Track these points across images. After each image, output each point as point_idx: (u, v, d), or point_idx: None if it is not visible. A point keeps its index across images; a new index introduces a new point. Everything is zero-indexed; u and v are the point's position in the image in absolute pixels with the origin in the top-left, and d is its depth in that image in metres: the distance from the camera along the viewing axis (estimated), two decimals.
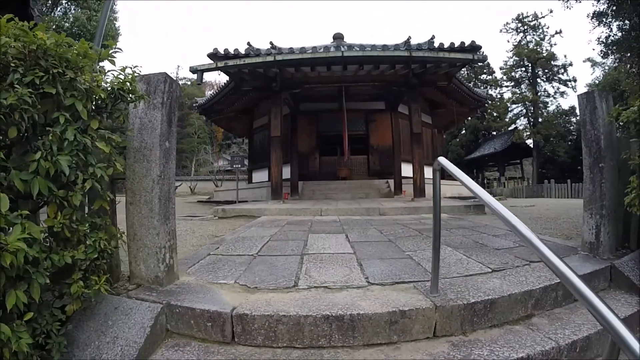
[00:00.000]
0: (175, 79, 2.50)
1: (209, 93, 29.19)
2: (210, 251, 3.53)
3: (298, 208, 6.95)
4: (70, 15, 12.32)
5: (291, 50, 6.89)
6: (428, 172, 15.75)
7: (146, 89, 2.39)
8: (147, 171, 2.33)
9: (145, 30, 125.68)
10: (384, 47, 6.72)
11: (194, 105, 18.35)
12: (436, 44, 7.33)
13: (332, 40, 15.70)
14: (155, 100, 2.37)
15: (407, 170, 12.20)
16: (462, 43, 7.31)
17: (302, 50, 6.79)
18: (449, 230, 4.71)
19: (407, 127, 14.76)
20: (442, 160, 1.96)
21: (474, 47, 7.35)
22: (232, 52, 7.31)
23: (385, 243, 3.83)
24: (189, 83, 52.21)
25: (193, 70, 7.20)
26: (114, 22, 13.75)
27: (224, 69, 7.24)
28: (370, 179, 13.49)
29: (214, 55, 7.49)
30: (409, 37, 13.25)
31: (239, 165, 10.82)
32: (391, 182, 12.16)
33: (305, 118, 13.54)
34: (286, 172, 11.78)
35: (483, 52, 7.76)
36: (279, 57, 6.51)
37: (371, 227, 5.12)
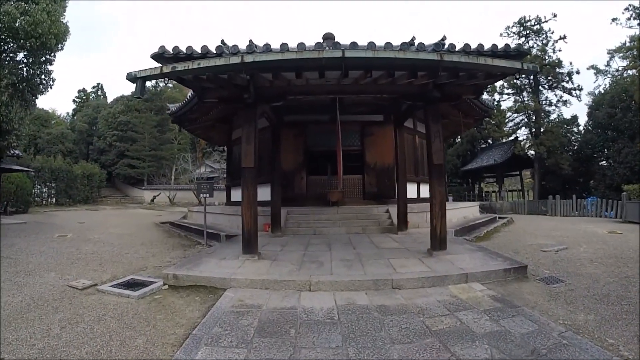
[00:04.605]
0: None
1: (189, 96, 26.81)
2: None
3: (278, 280, 4.75)
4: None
5: (267, 49, 4.74)
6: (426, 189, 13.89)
7: None
8: None
9: (142, 30, 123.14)
10: (403, 47, 4.65)
11: (167, 112, 16.08)
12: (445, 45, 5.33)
13: (321, 41, 13.58)
14: None
15: (410, 192, 10.20)
16: (507, 46, 5.30)
17: (283, 48, 4.66)
18: None
19: (411, 143, 12.83)
20: None
21: (521, 53, 5.35)
22: (185, 52, 5.13)
23: None
24: (170, 85, 49.53)
25: (131, 77, 4.97)
26: (60, 17, 11.28)
27: (174, 75, 5.05)
28: (366, 205, 11.43)
29: (159, 57, 5.29)
30: (413, 37, 11.28)
31: (207, 195, 8.60)
32: (392, 210, 10.11)
33: (291, 131, 11.42)
34: (266, 194, 9.64)
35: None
36: (248, 59, 4.37)
37: (393, 351, 3.02)
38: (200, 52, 5.03)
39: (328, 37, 11.42)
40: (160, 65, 5.15)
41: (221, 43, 5.83)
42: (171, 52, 5.20)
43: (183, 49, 5.16)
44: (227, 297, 4.49)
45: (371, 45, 4.51)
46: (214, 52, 4.96)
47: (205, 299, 4.64)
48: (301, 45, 4.57)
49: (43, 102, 78.18)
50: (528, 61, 25.43)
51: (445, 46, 5.28)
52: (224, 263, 5.79)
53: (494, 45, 5.23)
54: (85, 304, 4.63)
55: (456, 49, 4.93)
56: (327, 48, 4.54)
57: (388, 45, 4.61)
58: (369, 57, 4.29)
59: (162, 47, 5.28)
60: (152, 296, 4.89)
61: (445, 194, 6.18)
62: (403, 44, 4.73)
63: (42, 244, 8.97)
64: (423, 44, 4.82)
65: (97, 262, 7.13)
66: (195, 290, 5.00)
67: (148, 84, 43.02)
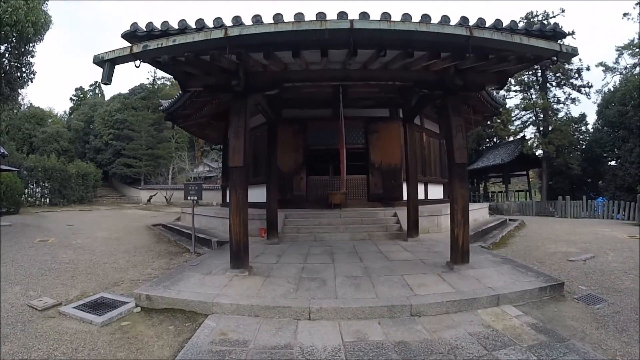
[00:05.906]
0: None
1: None
2: None
3: (270, 306, 3.87)
4: None
5: (257, 21, 3.87)
6: (437, 190, 13.02)
7: None
8: None
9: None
10: (424, 19, 3.80)
11: (160, 108, 15.20)
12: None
13: None
14: None
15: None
16: (542, 24, 4.47)
17: (278, 19, 3.80)
18: None
19: (418, 140, 11.96)
20: None
21: (557, 34, 4.49)
22: (160, 28, 4.28)
23: None
24: (168, 83, 48.63)
25: (98, 61, 4.11)
26: (41, 5, 10.41)
27: (146, 56, 4.19)
28: (371, 207, 10.56)
29: (131, 35, 4.43)
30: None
31: (195, 197, 7.75)
32: (400, 213, 9.25)
33: (290, 128, 10.57)
34: (263, 195, 8.81)
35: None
36: (233, 32, 3.51)
37: None
38: (177, 27, 4.18)
39: None
40: (130, 45, 4.29)
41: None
42: (144, 29, 4.34)
43: (158, 25, 4.31)
44: (207, 328, 3.62)
45: (385, 17, 3.65)
46: (194, 27, 4.11)
47: (181, 328, 3.77)
48: (299, 16, 3.72)
49: (40, 101, 77.64)
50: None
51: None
52: (208, 280, 4.90)
53: (528, 23, 4.39)
54: (40, 331, 3.84)
55: (486, 25, 4.08)
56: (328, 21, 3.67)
57: (406, 17, 3.76)
58: (384, 29, 3.43)
59: (135, 24, 4.42)
60: (119, 322, 4.04)
61: (468, 197, 5.31)
62: (424, 15, 3.87)
63: (18, 251, 8.15)
64: (447, 16, 3.97)
65: (70, 274, 6.31)
66: (171, 315, 4.14)
67: (145, 80, 41.86)
